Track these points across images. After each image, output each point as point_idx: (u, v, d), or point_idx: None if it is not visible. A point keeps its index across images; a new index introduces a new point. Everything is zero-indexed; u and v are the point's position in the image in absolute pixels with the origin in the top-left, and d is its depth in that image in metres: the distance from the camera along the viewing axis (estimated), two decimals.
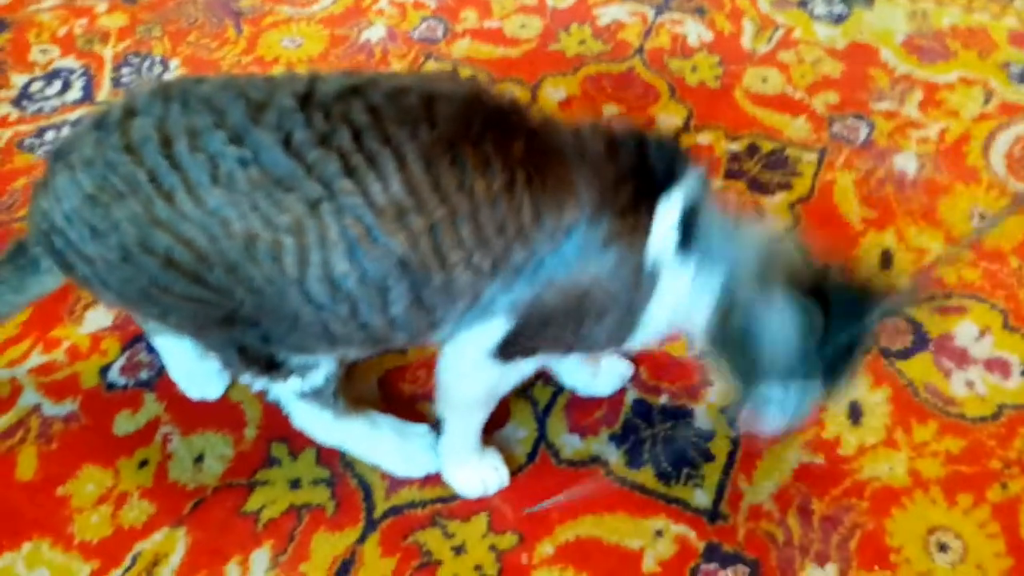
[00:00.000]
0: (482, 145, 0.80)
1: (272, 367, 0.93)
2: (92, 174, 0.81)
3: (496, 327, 0.88)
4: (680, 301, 0.88)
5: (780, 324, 0.83)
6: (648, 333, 0.91)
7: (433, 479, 1.06)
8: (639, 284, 0.86)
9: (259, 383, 0.97)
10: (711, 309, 0.88)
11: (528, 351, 0.92)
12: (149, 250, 0.81)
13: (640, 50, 1.58)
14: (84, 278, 0.88)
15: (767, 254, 0.86)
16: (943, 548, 0.99)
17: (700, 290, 0.87)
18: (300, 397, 0.99)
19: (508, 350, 0.90)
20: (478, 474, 1.04)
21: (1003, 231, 1.27)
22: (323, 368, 0.95)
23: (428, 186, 0.79)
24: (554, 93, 1.51)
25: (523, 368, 0.96)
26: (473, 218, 0.80)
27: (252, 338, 0.89)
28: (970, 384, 1.12)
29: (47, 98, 1.53)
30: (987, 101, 1.46)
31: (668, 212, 0.85)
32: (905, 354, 1.15)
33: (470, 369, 0.93)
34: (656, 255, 0.85)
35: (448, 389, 0.98)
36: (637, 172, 0.85)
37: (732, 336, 0.87)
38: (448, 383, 0.97)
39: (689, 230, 0.85)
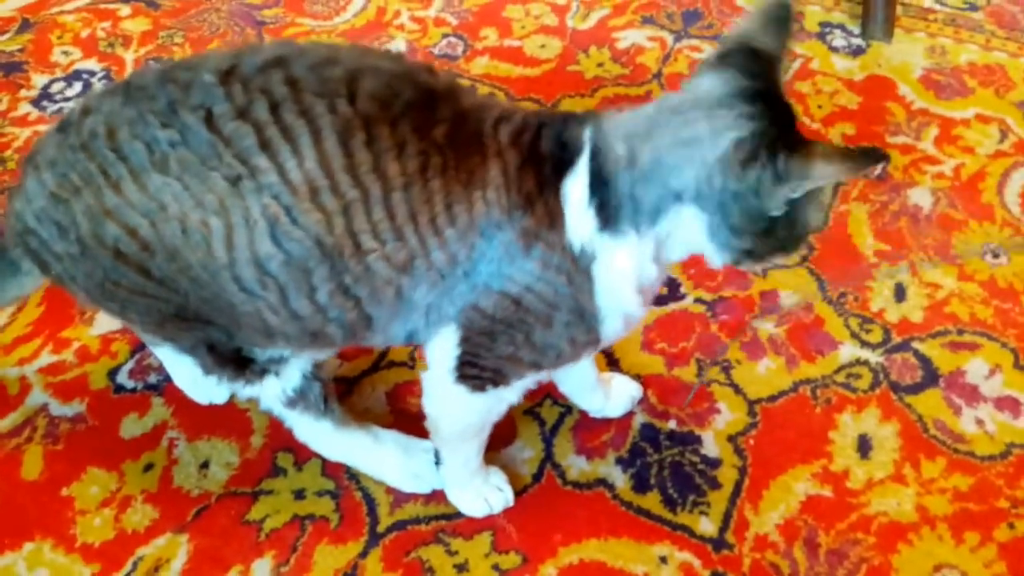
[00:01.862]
0: (400, 125, 0.77)
1: (243, 365, 0.93)
2: (54, 173, 0.83)
3: (448, 337, 0.85)
4: (643, 267, 0.81)
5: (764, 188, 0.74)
6: (620, 315, 0.84)
7: (438, 495, 1.05)
8: (573, 279, 0.81)
9: (239, 387, 0.97)
10: (707, 228, 0.78)
11: (494, 374, 0.89)
12: (101, 242, 0.82)
13: (659, 75, 1.59)
14: (58, 276, 0.90)
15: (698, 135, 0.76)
16: None
17: (674, 231, 0.79)
18: (287, 405, 0.98)
19: (472, 373, 0.88)
20: (482, 495, 1.03)
21: (1015, 269, 1.27)
22: (295, 364, 0.95)
23: (341, 165, 0.76)
24: None
25: (504, 396, 0.93)
26: (385, 202, 0.77)
27: (216, 334, 0.89)
28: (980, 422, 1.11)
29: (67, 99, 1.54)
30: (1003, 139, 1.46)
31: (574, 192, 0.79)
32: (915, 389, 1.15)
33: (447, 400, 0.92)
34: (581, 242, 0.79)
35: (433, 421, 0.97)
36: (536, 157, 0.79)
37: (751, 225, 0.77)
38: (432, 415, 0.97)
39: (605, 196, 0.78)
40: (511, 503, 1.04)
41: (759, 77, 0.77)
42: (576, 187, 0.79)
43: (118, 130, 0.80)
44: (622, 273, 0.81)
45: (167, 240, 0.80)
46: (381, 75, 0.80)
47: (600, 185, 0.78)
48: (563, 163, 0.79)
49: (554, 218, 0.79)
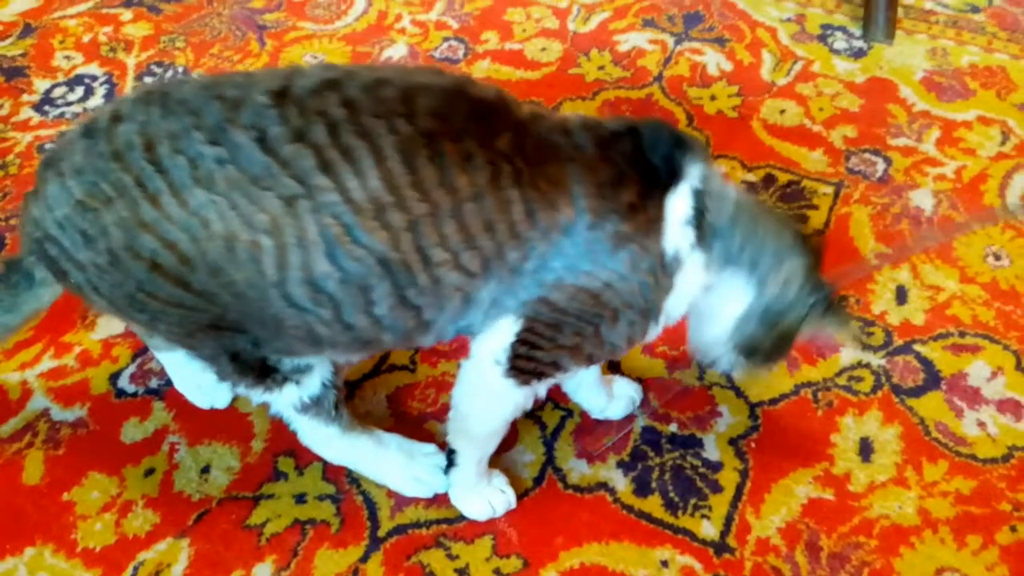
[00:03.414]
0: (464, 139, 0.78)
1: (266, 373, 0.93)
2: (82, 181, 0.81)
3: (505, 328, 0.86)
4: (696, 292, 0.89)
5: (809, 318, 0.90)
6: (659, 327, 0.91)
7: (439, 499, 1.05)
8: (658, 283, 0.86)
9: (256, 394, 0.96)
10: (744, 306, 0.90)
11: (547, 366, 0.90)
12: (136, 254, 0.81)
13: (659, 77, 1.59)
14: (77, 285, 0.88)
15: (783, 246, 0.89)
16: None
17: (727, 286, 0.89)
18: (300, 411, 0.98)
19: (526, 366, 0.89)
20: (485, 497, 1.03)
21: (1017, 271, 1.26)
22: (317, 372, 0.95)
23: (407, 182, 0.77)
24: None
25: (539, 391, 0.95)
26: (456, 215, 0.78)
27: (243, 343, 0.89)
28: (981, 424, 1.11)
29: (69, 104, 1.55)
30: (1004, 141, 1.46)
31: (678, 206, 0.84)
32: (917, 392, 1.14)
33: (490, 393, 0.92)
34: (674, 252, 0.85)
35: (464, 417, 0.97)
36: (637, 167, 0.83)
37: (769, 331, 0.91)
38: (465, 411, 0.97)
39: (701, 221, 0.85)
40: (513, 505, 1.04)
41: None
42: (680, 204, 0.85)
43: (157, 143, 0.79)
44: (694, 286, 0.89)
45: (210, 256, 0.79)
46: (434, 92, 0.81)
47: (699, 213, 0.85)
48: (667, 179, 0.84)
49: (652, 226, 0.84)
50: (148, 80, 1.59)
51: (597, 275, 0.83)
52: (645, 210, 0.83)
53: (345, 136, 0.77)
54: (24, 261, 0.91)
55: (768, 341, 0.92)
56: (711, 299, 0.91)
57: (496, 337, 0.87)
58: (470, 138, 0.78)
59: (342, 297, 0.80)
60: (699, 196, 0.85)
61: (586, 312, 0.86)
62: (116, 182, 0.80)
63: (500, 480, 1.05)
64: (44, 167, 0.86)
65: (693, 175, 0.85)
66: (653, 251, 0.84)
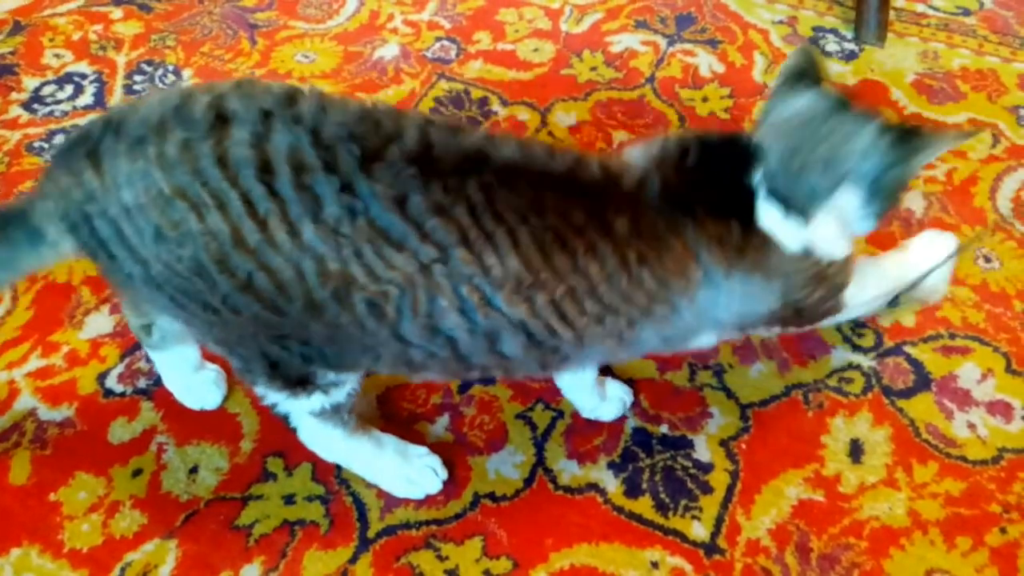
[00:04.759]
0: (587, 232, 0.82)
1: (300, 383, 0.92)
2: (174, 175, 0.76)
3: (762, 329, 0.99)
4: (839, 223, 0.91)
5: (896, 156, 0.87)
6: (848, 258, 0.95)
7: (429, 500, 1.05)
8: (812, 270, 0.91)
9: (277, 397, 0.94)
10: (859, 199, 0.89)
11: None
12: (228, 270, 0.78)
13: (651, 79, 1.59)
14: (124, 274, 0.82)
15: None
16: None
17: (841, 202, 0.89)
18: (317, 415, 0.97)
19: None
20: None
21: (1007, 274, 1.27)
22: (348, 385, 0.95)
23: (544, 267, 0.81)
24: (565, 118, 1.51)
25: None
26: (593, 294, 0.83)
27: (293, 357, 0.88)
28: (971, 426, 1.11)
29: (58, 102, 1.54)
30: (995, 144, 1.46)
31: (772, 223, 0.88)
32: (907, 393, 1.14)
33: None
34: (797, 245, 0.88)
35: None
36: (730, 215, 0.87)
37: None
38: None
39: (792, 207, 0.88)
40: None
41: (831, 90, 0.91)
42: (772, 219, 0.88)
43: (277, 170, 0.76)
44: (834, 234, 0.91)
45: (314, 293, 0.79)
46: (557, 184, 0.83)
47: (783, 200, 0.87)
48: (750, 205, 0.88)
49: (767, 247, 0.88)
50: (138, 79, 1.58)
51: (756, 309, 0.92)
52: (753, 240, 0.87)
53: (484, 219, 0.80)
54: (36, 217, 0.84)
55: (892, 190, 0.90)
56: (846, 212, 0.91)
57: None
58: (592, 231, 0.83)
59: (467, 343, 0.84)
60: (771, 189, 0.87)
61: (775, 316, 0.94)
62: (217, 192, 0.76)
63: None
64: (110, 132, 0.79)
65: (759, 187, 0.88)
66: (784, 262, 0.89)
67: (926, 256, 1.10)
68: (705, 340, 0.97)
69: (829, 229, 0.89)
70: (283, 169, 0.76)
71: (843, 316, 1.03)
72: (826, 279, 0.93)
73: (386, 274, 0.78)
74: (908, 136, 0.86)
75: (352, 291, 0.79)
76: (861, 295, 1.01)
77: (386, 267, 0.78)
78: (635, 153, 0.92)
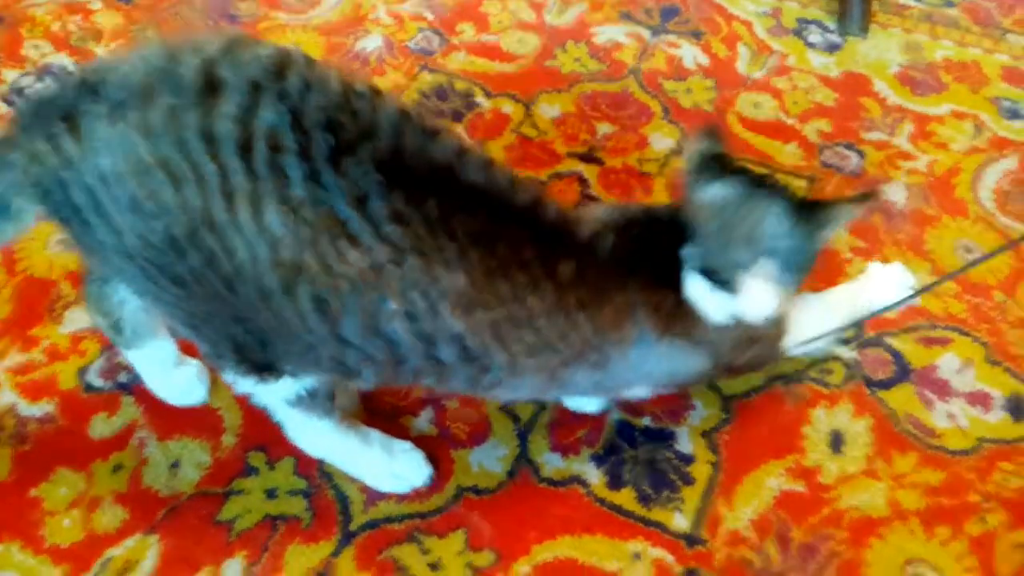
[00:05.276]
0: (532, 268, 0.85)
1: (266, 368, 0.91)
2: (155, 144, 0.74)
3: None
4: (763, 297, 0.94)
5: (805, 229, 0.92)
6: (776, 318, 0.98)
7: (412, 494, 1.05)
8: (738, 334, 0.94)
9: (246, 384, 0.93)
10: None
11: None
12: (196, 245, 0.77)
13: (636, 70, 1.58)
14: (97, 241, 0.81)
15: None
16: None
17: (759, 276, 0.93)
18: (293, 404, 0.96)
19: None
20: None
21: (989, 265, 1.28)
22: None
23: (489, 290, 0.83)
24: (549, 110, 1.51)
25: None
26: (532, 325, 0.85)
27: (252, 342, 0.87)
28: (951, 416, 1.12)
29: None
30: (977, 135, 1.47)
31: (698, 295, 0.92)
32: (887, 384, 1.15)
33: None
34: (721, 315, 0.92)
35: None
36: (664, 283, 0.91)
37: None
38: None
39: (716, 280, 0.91)
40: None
41: (739, 171, 0.95)
42: (699, 292, 0.92)
43: (255, 149, 0.75)
44: (760, 297, 0.94)
45: (263, 279, 0.78)
46: (513, 213, 0.85)
47: (709, 275, 0.92)
48: (677, 278, 0.92)
49: (694, 321, 0.92)
50: None
51: (686, 370, 0.97)
52: (684, 310, 0.92)
53: (439, 235, 0.80)
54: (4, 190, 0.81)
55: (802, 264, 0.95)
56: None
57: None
58: (537, 268, 0.85)
59: (407, 343, 0.83)
60: (696, 266, 0.92)
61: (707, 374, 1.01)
62: (197, 165, 0.74)
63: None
64: (87, 93, 0.77)
65: (686, 259, 0.92)
66: (711, 332, 0.93)
67: (878, 292, 1.14)
68: (639, 391, 1.02)
69: (754, 297, 0.93)
70: (261, 147, 0.75)
71: (797, 353, 1.07)
72: (758, 339, 0.98)
73: (339, 267, 0.78)
74: (809, 216, 0.90)
75: (300, 282, 0.78)
76: (810, 333, 1.05)
77: (340, 261, 0.77)
78: (596, 212, 0.96)
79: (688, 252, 0.92)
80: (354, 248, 0.78)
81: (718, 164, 0.96)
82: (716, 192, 0.94)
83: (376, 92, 0.83)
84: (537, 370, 0.90)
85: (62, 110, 0.77)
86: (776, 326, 0.98)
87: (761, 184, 0.93)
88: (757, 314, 0.94)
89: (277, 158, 0.75)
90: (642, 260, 0.92)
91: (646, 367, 0.94)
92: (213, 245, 0.77)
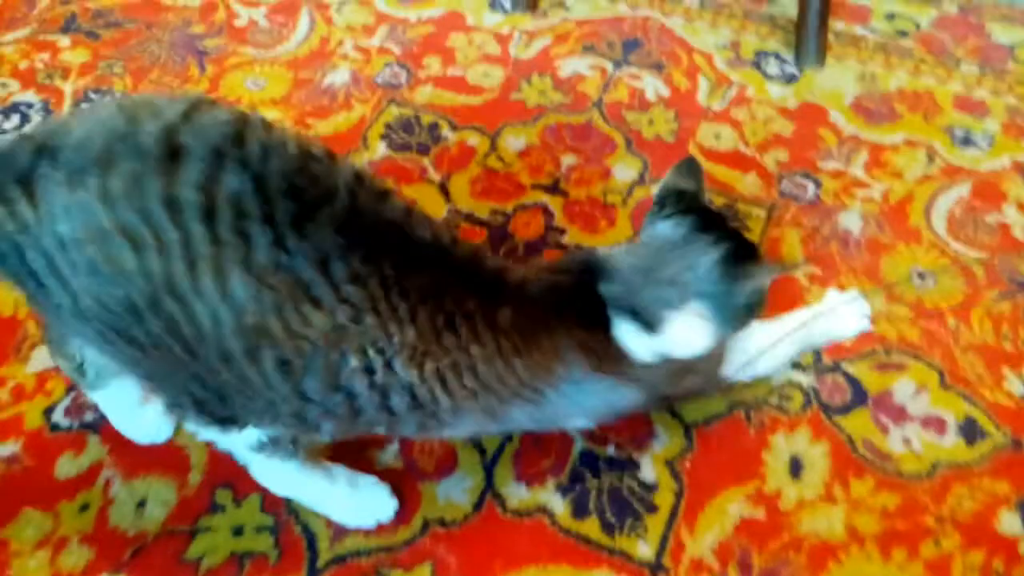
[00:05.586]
0: (474, 319, 0.89)
1: (228, 420, 0.92)
2: (117, 211, 0.75)
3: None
4: (691, 339, 0.98)
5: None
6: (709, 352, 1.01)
7: (378, 528, 1.06)
8: (659, 367, 0.98)
9: (209, 433, 0.95)
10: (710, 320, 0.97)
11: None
12: (157, 312, 0.78)
13: (599, 102, 1.62)
14: (53, 304, 0.81)
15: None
16: None
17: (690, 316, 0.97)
18: (257, 450, 0.98)
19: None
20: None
21: (941, 291, 1.31)
22: None
23: (435, 341, 0.87)
24: (514, 142, 1.54)
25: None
26: (473, 371, 0.90)
27: (211, 395, 0.88)
28: (907, 441, 1.15)
29: (4, 132, 1.53)
30: (930, 163, 1.51)
31: (625, 336, 0.96)
32: (844, 409, 1.18)
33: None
34: (648, 354, 0.97)
35: None
36: (594, 325, 0.96)
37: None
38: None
39: (642, 322, 0.96)
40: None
41: (693, 211, 0.99)
42: (623, 332, 0.96)
43: (220, 216, 0.76)
44: (686, 338, 0.98)
45: (226, 343, 0.80)
46: (456, 272, 0.90)
47: (635, 314, 0.96)
48: (606, 318, 0.96)
49: (621, 358, 0.97)
50: (85, 108, 1.58)
51: (620, 404, 1.02)
52: (611, 349, 0.96)
53: (392, 293, 0.84)
54: None
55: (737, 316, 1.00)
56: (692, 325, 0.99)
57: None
58: (480, 318, 0.90)
59: (364, 396, 0.87)
60: (620, 309, 0.96)
61: (644, 406, 1.07)
62: (160, 232, 0.75)
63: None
64: (44, 158, 0.76)
65: (609, 301, 0.97)
66: (638, 370, 0.97)
67: (836, 320, 1.23)
68: (578, 423, 1.07)
69: (682, 336, 0.97)
70: (225, 214, 0.76)
71: (746, 376, 1.15)
72: (692, 371, 1.02)
73: (303, 330, 0.80)
74: (734, 270, 0.94)
75: (263, 346, 0.80)
76: (760, 358, 1.12)
77: (303, 323, 0.80)
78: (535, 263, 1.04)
79: (608, 291, 0.96)
80: (317, 310, 0.80)
81: (677, 202, 1.00)
82: (661, 231, 0.98)
83: (331, 155, 0.86)
84: (478, 411, 0.93)
85: (17, 173, 0.77)
86: (712, 358, 1.02)
87: (710, 227, 0.97)
88: (685, 352, 0.98)
89: (242, 224, 0.76)
90: (571, 302, 0.96)
91: (580, 401, 0.98)
92: (174, 311, 0.78)
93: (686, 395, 1.12)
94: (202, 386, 0.86)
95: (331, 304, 0.80)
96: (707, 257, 0.95)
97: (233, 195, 0.76)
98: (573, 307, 0.96)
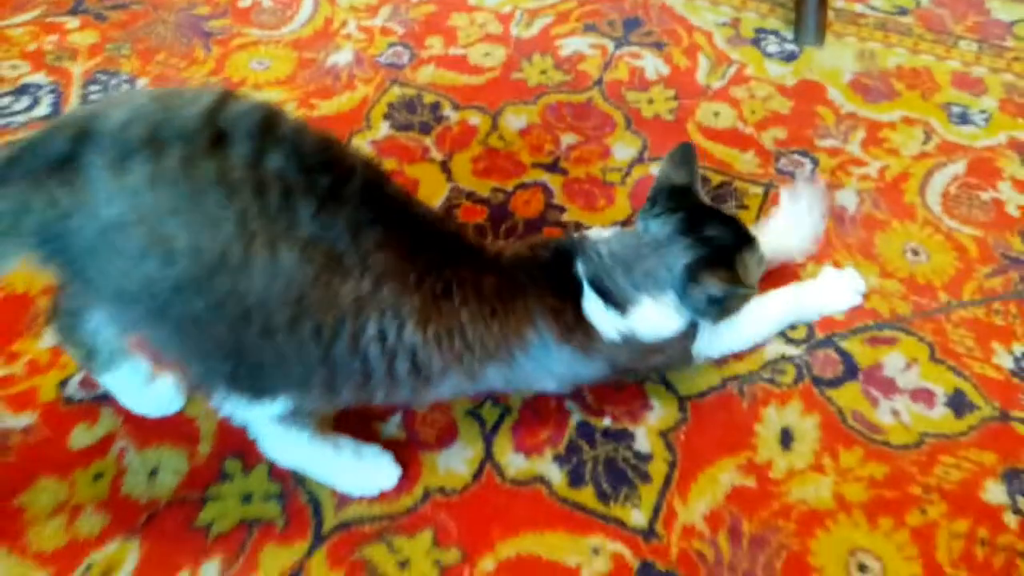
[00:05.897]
0: (465, 286, 0.97)
1: (260, 392, 0.95)
2: (170, 193, 0.77)
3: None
4: (661, 316, 1.05)
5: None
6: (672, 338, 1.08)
7: (382, 495, 1.09)
8: (623, 345, 1.05)
9: (236, 405, 0.97)
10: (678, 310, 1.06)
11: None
12: (206, 290, 0.81)
13: (599, 81, 1.63)
14: (93, 288, 0.83)
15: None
16: (863, 569, 1.04)
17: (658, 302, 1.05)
18: (279, 420, 1.01)
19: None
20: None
21: (934, 267, 1.33)
22: None
23: (434, 306, 0.95)
24: (515, 121, 1.56)
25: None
26: (462, 333, 0.97)
27: (245, 371, 0.92)
28: (896, 413, 1.18)
29: (15, 113, 1.56)
30: (927, 140, 1.53)
31: (594, 312, 1.03)
32: (835, 383, 1.21)
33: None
34: (614, 333, 1.04)
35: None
36: (566, 296, 1.03)
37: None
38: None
39: (611, 302, 1.04)
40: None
41: (683, 209, 1.06)
42: (593, 308, 1.04)
43: (268, 189, 0.81)
44: (652, 323, 1.05)
45: (270, 315, 0.85)
46: (451, 247, 0.99)
47: (606, 294, 1.04)
48: (579, 291, 1.04)
49: (588, 331, 1.04)
50: (94, 89, 1.61)
51: (586, 374, 1.09)
52: (581, 323, 1.03)
53: (406, 263, 0.93)
54: None
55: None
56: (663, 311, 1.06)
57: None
58: (470, 285, 0.98)
59: (376, 361, 0.94)
60: (595, 285, 1.04)
61: (609, 377, 1.14)
62: (215, 211, 0.78)
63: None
64: (84, 145, 0.78)
65: (584, 278, 1.04)
66: (605, 346, 1.04)
67: (831, 296, 1.27)
68: (548, 385, 1.11)
69: (648, 320, 1.04)
70: (274, 190, 0.82)
71: (731, 348, 1.22)
72: (659, 350, 1.09)
73: (335, 299, 0.87)
74: (697, 275, 1.02)
75: (303, 317, 0.87)
76: (748, 332, 1.21)
77: (336, 292, 0.87)
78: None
79: (585, 268, 1.04)
80: (348, 279, 0.87)
81: (668, 199, 1.07)
82: (650, 227, 1.06)
83: (339, 141, 0.93)
84: (461, 372, 1.00)
85: (54, 161, 0.78)
86: (680, 341, 1.09)
87: (694, 228, 1.04)
88: (650, 335, 1.05)
89: (288, 199, 0.82)
90: (547, 274, 1.04)
91: (548, 367, 1.04)
92: (223, 287, 0.81)
93: (653, 370, 1.19)
94: (238, 360, 0.90)
95: (359, 273, 0.87)
96: (678, 264, 1.03)
97: (278, 171, 0.82)
98: (548, 279, 1.03)
